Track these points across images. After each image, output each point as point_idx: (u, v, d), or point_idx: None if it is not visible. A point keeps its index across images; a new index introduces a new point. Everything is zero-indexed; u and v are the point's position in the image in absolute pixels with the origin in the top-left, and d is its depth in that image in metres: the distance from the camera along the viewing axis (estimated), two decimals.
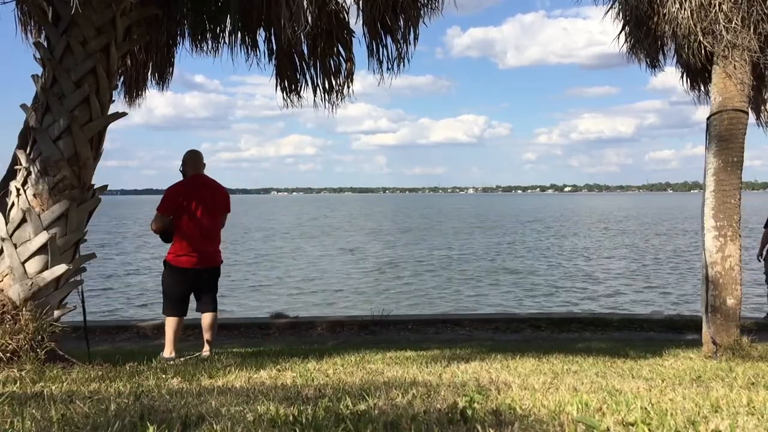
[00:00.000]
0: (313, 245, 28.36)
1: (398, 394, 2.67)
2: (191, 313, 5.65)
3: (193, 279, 5.43)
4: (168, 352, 5.29)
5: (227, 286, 15.80)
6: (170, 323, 5.38)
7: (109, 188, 4.97)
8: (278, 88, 6.12)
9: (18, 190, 4.43)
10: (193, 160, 5.62)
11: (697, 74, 6.95)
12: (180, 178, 5.61)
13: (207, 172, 5.73)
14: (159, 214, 5.40)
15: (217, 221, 5.54)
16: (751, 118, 6.49)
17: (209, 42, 5.96)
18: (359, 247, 27.39)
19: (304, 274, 18.26)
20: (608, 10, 6.92)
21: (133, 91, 6.39)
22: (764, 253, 8.86)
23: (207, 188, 5.55)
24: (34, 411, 2.31)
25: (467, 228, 41.08)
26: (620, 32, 6.92)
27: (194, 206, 5.37)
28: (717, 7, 5.59)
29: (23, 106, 4.65)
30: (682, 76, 7.21)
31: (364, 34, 5.60)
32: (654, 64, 7.05)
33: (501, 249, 25.84)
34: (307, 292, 14.96)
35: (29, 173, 4.41)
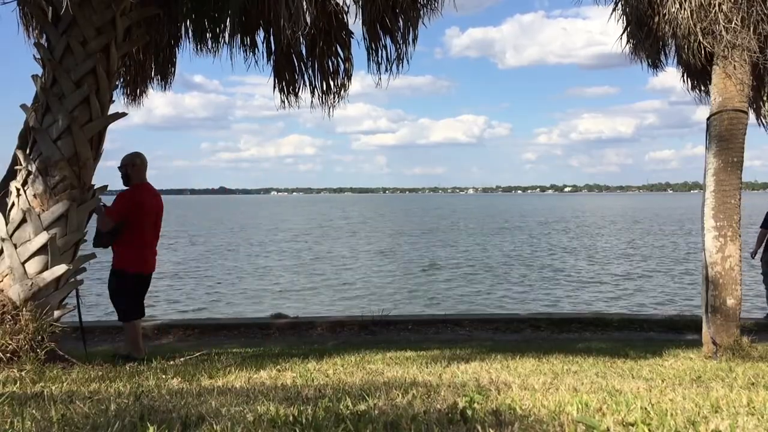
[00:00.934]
0: (345, 247, 27.29)
1: (398, 395, 2.67)
2: (190, 313, 5.66)
3: (144, 283, 5.46)
4: (144, 351, 5.31)
5: (285, 287, 15.33)
6: (136, 326, 5.38)
7: (109, 188, 4.97)
8: (276, 88, 6.12)
9: (18, 190, 4.43)
10: (143, 167, 5.51)
11: (698, 74, 6.94)
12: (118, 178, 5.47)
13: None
14: (110, 220, 5.15)
15: (159, 228, 5.60)
16: (751, 117, 6.49)
17: (209, 42, 5.96)
18: (392, 248, 26.37)
19: (354, 276, 17.60)
20: (612, 12, 6.90)
21: (134, 92, 6.39)
22: (760, 252, 8.86)
23: (156, 197, 5.57)
24: (34, 411, 2.31)
25: (493, 229, 39.95)
26: (623, 32, 6.91)
27: (150, 215, 5.38)
28: (717, 8, 5.59)
29: (23, 106, 4.65)
30: (683, 77, 7.19)
31: (363, 34, 5.60)
32: (656, 65, 7.04)
33: (543, 249, 25.24)
34: (361, 296, 14.29)
35: (29, 173, 4.41)
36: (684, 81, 7.20)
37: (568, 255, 23.11)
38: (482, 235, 34.84)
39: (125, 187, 5.41)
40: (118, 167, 5.39)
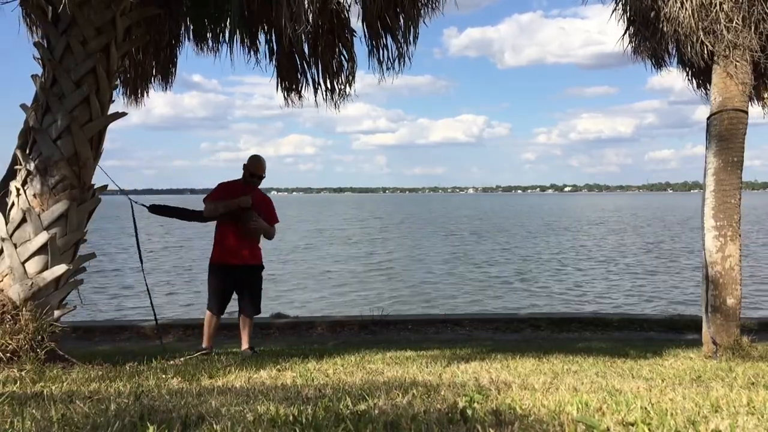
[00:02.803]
0: (409, 249, 25.57)
1: (398, 394, 2.67)
2: (188, 313, 5.68)
3: None
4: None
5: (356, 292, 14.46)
6: None
7: (108, 188, 4.98)
8: (279, 87, 6.11)
9: (18, 190, 4.43)
10: None
11: (701, 74, 6.92)
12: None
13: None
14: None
15: None
16: (752, 117, 6.47)
17: (210, 42, 5.96)
18: (463, 251, 24.48)
19: (456, 281, 16.44)
20: (613, 11, 6.85)
21: (134, 91, 6.38)
22: None
23: None
24: (34, 411, 2.31)
25: (540, 229, 38.85)
26: (625, 32, 6.88)
27: None
28: (718, 7, 5.59)
29: (23, 106, 4.65)
30: (687, 76, 7.15)
31: (364, 33, 5.59)
32: (659, 64, 7.02)
33: (613, 247, 24.85)
34: (492, 295, 13.84)
35: (29, 173, 4.41)
36: (689, 80, 7.16)
37: (655, 252, 22.68)
38: (539, 235, 33.35)
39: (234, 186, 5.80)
40: (262, 175, 5.76)
